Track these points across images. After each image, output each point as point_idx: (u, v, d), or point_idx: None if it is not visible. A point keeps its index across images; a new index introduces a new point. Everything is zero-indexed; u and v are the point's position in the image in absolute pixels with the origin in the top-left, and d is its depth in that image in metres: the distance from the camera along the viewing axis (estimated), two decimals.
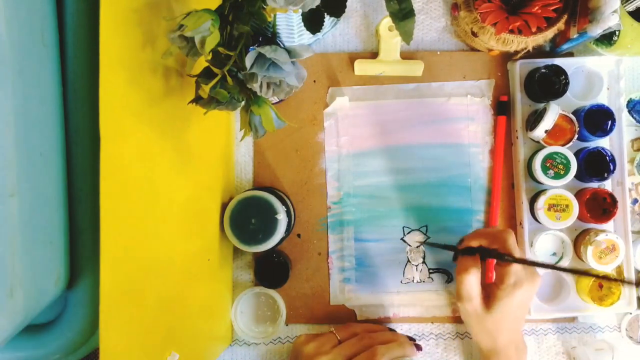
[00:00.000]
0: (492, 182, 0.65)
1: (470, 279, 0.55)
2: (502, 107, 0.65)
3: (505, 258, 0.53)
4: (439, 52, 0.66)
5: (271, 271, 0.63)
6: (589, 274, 0.53)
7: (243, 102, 0.44)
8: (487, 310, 0.55)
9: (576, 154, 0.61)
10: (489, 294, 0.56)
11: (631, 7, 0.56)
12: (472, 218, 0.65)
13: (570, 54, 0.65)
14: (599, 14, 0.53)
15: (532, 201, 0.63)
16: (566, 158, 0.61)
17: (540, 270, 0.63)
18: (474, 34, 0.61)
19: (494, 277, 0.56)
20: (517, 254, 0.54)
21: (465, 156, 0.66)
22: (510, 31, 0.57)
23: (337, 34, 0.67)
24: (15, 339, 0.45)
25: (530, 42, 0.58)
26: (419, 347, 0.61)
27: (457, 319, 0.65)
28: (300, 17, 0.50)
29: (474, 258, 0.56)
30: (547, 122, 0.59)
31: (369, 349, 0.56)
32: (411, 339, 0.62)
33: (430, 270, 0.65)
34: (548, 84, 0.63)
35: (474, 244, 0.57)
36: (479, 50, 0.66)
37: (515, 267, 0.53)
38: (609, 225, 0.63)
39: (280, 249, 0.65)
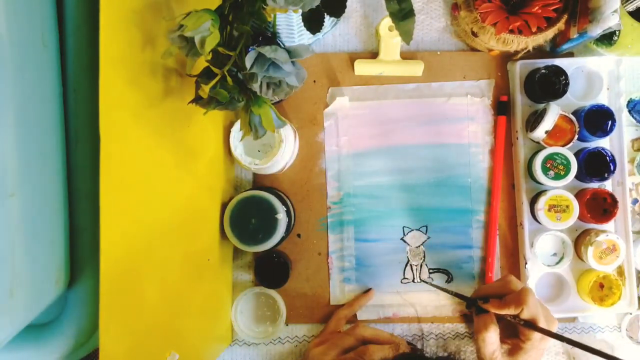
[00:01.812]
0: (492, 182, 0.65)
1: (491, 337, 0.54)
2: (502, 107, 0.65)
3: (528, 326, 0.53)
4: (439, 52, 0.66)
5: (271, 271, 0.63)
6: (604, 355, 0.51)
7: (243, 102, 0.44)
8: None
9: (576, 155, 0.61)
10: (514, 346, 0.56)
11: (631, 7, 0.56)
12: (472, 218, 0.65)
13: (570, 54, 0.65)
14: (599, 14, 0.53)
15: (533, 202, 0.63)
16: (566, 158, 0.61)
17: (541, 271, 0.63)
18: (474, 34, 0.61)
19: (520, 333, 0.55)
20: (539, 312, 0.53)
21: (465, 156, 0.66)
22: (510, 31, 0.57)
23: (337, 34, 0.67)
24: (15, 339, 0.45)
25: (530, 42, 0.58)
26: (415, 350, 0.61)
27: (457, 319, 0.65)
28: (300, 17, 0.50)
29: (490, 314, 0.56)
30: (547, 123, 0.59)
31: (361, 347, 0.56)
32: (410, 344, 0.62)
33: (430, 270, 0.65)
34: (548, 84, 0.63)
35: (495, 306, 0.55)
36: (479, 50, 0.66)
37: (540, 318, 0.53)
38: (609, 226, 0.63)
39: (280, 249, 0.65)
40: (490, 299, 0.57)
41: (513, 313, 0.54)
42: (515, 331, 0.56)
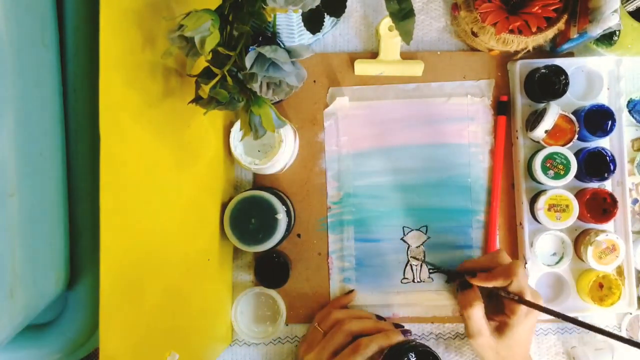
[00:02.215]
0: (492, 182, 0.65)
1: (477, 313, 0.55)
2: (502, 107, 0.65)
3: (514, 299, 0.53)
4: (439, 52, 0.66)
5: (271, 271, 0.63)
6: (602, 331, 0.51)
7: (243, 102, 0.44)
8: (499, 339, 0.55)
9: (576, 154, 0.61)
10: (500, 323, 0.56)
11: (631, 7, 0.56)
12: (472, 218, 0.65)
13: (570, 54, 0.65)
14: (599, 14, 0.53)
15: (532, 201, 0.63)
16: (566, 158, 0.61)
17: (540, 270, 0.63)
18: (474, 34, 0.61)
19: (505, 308, 0.56)
20: (527, 286, 0.54)
21: (465, 156, 0.66)
22: (510, 31, 0.57)
23: (337, 34, 0.67)
24: (15, 339, 0.45)
25: (531, 42, 0.58)
26: (406, 332, 0.60)
27: (457, 319, 0.65)
28: (300, 17, 0.50)
29: (474, 290, 0.56)
30: (547, 122, 0.59)
31: (353, 342, 0.55)
32: (398, 326, 0.61)
33: (430, 270, 0.65)
34: (548, 84, 0.63)
35: (483, 278, 0.56)
36: (479, 50, 0.66)
37: (527, 291, 0.54)
38: (609, 226, 0.63)
39: (280, 249, 0.65)
40: (477, 272, 0.57)
41: (501, 285, 0.55)
42: (501, 308, 0.56)
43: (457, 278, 0.59)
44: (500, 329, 0.56)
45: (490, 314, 0.57)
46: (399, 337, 0.56)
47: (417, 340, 0.57)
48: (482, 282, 0.56)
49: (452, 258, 0.65)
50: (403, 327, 0.61)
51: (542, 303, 0.55)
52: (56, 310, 0.48)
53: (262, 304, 0.65)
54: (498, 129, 0.65)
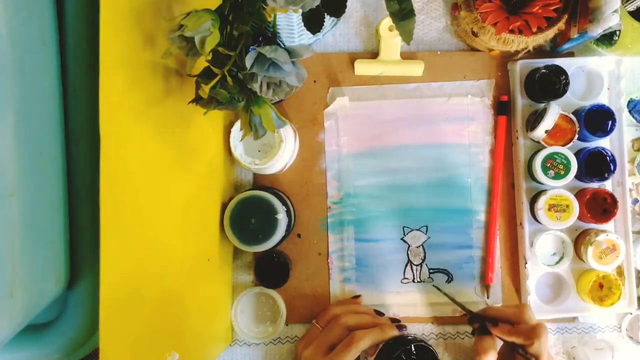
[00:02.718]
0: (492, 182, 0.65)
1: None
2: (502, 107, 0.65)
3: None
4: (439, 52, 0.66)
5: (271, 271, 0.63)
6: None
7: (243, 102, 0.44)
8: None
9: (576, 154, 0.61)
10: None
11: (631, 7, 0.56)
12: (472, 218, 0.65)
13: (570, 54, 0.65)
14: (599, 13, 0.53)
15: (533, 201, 0.63)
16: (566, 158, 0.61)
17: (540, 270, 0.63)
18: (474, 34, 0.61)
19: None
20: (546, 352, 0.53)
21: (465, 156, 0.66)
22: (510, 31, 0.57)
23: (337, 34, 0.67)
24: (15, 339, 0.45)
25: (531, 42, 0.58)
26: (401, 328, 0.59)
27: (457, 319, 0.65)
28: (300, 17, 0.50)
29: (492, 338, 0.56)
30: (548, 122, 0.59)
31: (348, 336, 0.55)
32: (394, 320, 0.61)
33: (430, 270, 0.65)
34: (548, 84, 0.63)
35: (505, 332, 0.55)
36: (479, 50, 0.66)
37: (545, 358, 0.53)
38: (609, 226, 0.63)
39: (280, 249, 0.65)
40: (499, 322, 0.56)
41: (522, 343, 0.54)
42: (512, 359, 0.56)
43: (477, 321, 0.58)
44: None
45: None
46: (393, 332, 0.56)
47: (413, 335, 0.57)
48: (502, 334, 0.55)
49: (452, 258, 0.65)
50: (399, 322, 0.61)
51: None
52: (56, 310, 0.48)
53: (262, 304, 0.65)
54: (498, 129, 0.65)
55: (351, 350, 0.53)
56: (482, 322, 0.58)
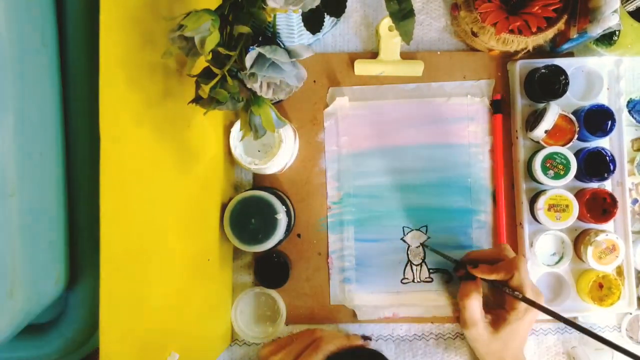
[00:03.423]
0: (495, 182, 0.65)
1: (473, 304, 0.56)
2: (497, 106, 0.65)
3: (515, 295, 0.54)
4: (439, 52, 0.66)
5: (271, 271, 0.63)
6: (598, 337, 0.50)
7: (243, 102, 0.44)
8: (495, 333, 0.56)
9: (576, 154, 0.61)
10: (497, 317, 0.57)
11: (631, 7, 0.56)
12: (472, 218, 0.65)
13: (570, 54, 0.65)
14: (599, 14, 0.53)
15: (532, 201, 0.63)
16: (566, 158, 0.61)
17: (540, 270, 0.63)
18: (474, 34, 0.61)
19: (505, 303, 0.56)
20: (528, 282, 0.54)
21: (465, 156, 0.66)
22: (510, 31, 0.57)
23: (337, 34, 0.67)
24: (15, 339, 0.45)
25: (530, 42, 0.58)
26: (366, 338, 0.62)
27: (457, 319, 0.65)
28: (300, 17, 0.50)
29: (476, 282, 0.57)
30: (547, 122, 0.59)
31: (315, 340, 0.57)
32: (366, 338, 0.63)
33: (430, 270, 0.65)
34: (548, 84, 0.63)
35: (485, 270, 0.56)
36: (479, 50, 0.66)
37: (529, 288, 0.54)
38: (609, 226, 0.63)
39: (280, 249, 0.65)
40: (479, 264, 0.57)
41: (502, 278, 0.55)
42: (502, 303, 0.57)
43: (461, 268, 0.60)
44: (496, 323, 0.56)
45: (490, 307, 0.57)
46: (358, 341, 0.60)
47: (374, 349, 0.60)
48: (483, 273, 0.56)
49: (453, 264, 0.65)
50: (370, 338, 0.64)
51: (543, 302, 0.55)
52: (56, 310, 0.48)
53: (262, 303, 0.65)
54: (495, 128, 0.65)
55: (318, 353, 0.55)
56: (465, 268, 0.59)
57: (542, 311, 0.52)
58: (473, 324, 0.56)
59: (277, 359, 0.58)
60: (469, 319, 0.56)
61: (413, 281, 0.65)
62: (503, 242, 0.64)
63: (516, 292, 0.54)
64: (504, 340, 0.56)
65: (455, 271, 0.63)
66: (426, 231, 0.65)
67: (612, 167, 0.61)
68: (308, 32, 0.49)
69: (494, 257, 0.58)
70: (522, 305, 0.54)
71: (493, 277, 0.56)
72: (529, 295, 0.54)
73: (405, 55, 0.65)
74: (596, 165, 0.61)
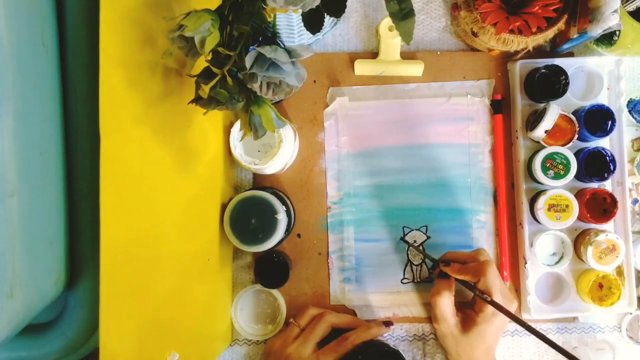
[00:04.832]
0: (496, 182, 0.65)
1: (444, 302, 0.57)
2: (497, 106, 0.65)
3: (482, 297, 0.55)
4: (439, 52, 0.66)
5: (271, 271, 0.63)
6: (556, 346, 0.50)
7: (243, 102, 0.44)
8: (463, 333, 0.57)
9: (576, 154, 0.61)
10: (467, 317, 0.58)
11: (631, 7, 0.56)
12: (472, 218, 0.65)
13: (570, 54, 0.65)
14: (599, 14, 0.53)
15: (532, 201, 0.63)
16: (566, 158, 0.61)
17: (540, 270, 0.63)
18: (474, 34, 0.61)
19: (475, 305, 0.58)
20: (496, 286, 0.55)
21: (465, 156, 0.66)
22: (510, 31, 0.57)
23: (337, 34, 0.67)
24: (15, 339, 0.45)
25: (531, 42, 0.58)
26: (388, 324, 0.62)
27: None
28: (300, 17, 0.50)
29: (449, 280, 0.59)
30: (547, 122, 0.59)
31: (339, 337, 0.59)
32: (388, 324, 0.63)
33: (430, 270, 0.65)
34: (548, 84, 0.63)
35: (455, 270, 0.58)
36: (479, 50, 0.66)
37: (497, 293, 0.55)
38: (609, 226, 0.63)
39: (280, 249, 0.65)
40: (451, 262, 0.59)
41: (470, 280, 0.57)
42: (473, 304, 0.58)
43: (438, 267, 0.61)
44: (465, 323, 0.58)
45: (463, 307, 0.59)
46: (378, 329, 0.60)
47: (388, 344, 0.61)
48: (453, 272, 0.58)
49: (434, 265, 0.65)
50: (392, 323, 0.64)
51: (515, 307, 0.57)
52: (56, 310, 0.48)
53: (262, 301, 0.65)
54: (495, 128, 0.65)
55: (342, 351, 0.57)
56: (437, 264, 0.60)
57: (506, 315, 0.53)
58: (443, 320, 0.57)
59: (293, 348, 0.59)
60: (439, 315, 0.58)
61: (413, 281, 0.65)
62: (505, 245, 0.64)
63: (485, 295, 0.55)
64: (471, 341, 0.57)
65: (432, 270, 0.64)
66: (426, 231, 0.65)
67: (612, 167, 0.61)
68: (308, 32, 0.49)
69: (468, 259, 0.59)
70: (490, 309, 0.55)
71: (461, 277, 0.57)
72: (497, 299, 0.54)
73: (405, 55, 0.65)
74: (596, 165, 0.61)
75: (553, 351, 0.64)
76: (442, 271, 0.59)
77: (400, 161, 0.66)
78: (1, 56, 0.36)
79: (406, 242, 0.65)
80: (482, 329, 0.56)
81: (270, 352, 0.61)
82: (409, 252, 0.65)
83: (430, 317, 0.65)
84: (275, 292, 0.64)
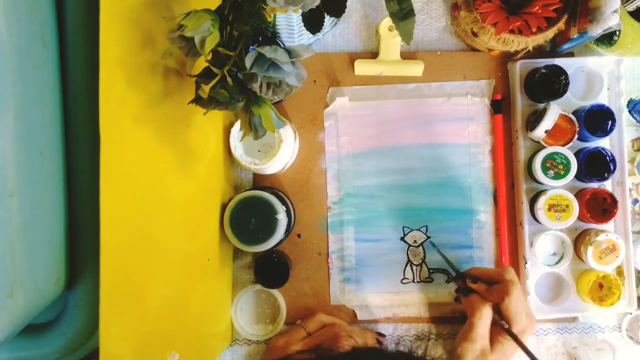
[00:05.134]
0: (496, 182, 0.65)
1: (485, 324, 0.55)
2: (497, 106, 0.65)
3: (500, 324, 0.54)
4: (439, 52, 0.66)
5: (271, 271, 0.63)
6: None
7: (243, 102, 0.44)
8: (489, 352, 0.55)
9: (576, 154, 0.61)
10: (491, 335, 0.56)
11: (631, 7, 0.56)
12: (472, 218, 0.65)
13: (570, 54, 0.65)
14: (599, 14, 0.53)
15: (532, 201, 0.63)
16: (566, 158, 0.61)
17: (540, 270, 0.63)
18: (474, 34, 0.61)
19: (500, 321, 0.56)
20: (519, 309, 0.54)
21: (465, 156, 0.66)
22: (510, 31, 0.57)
23: (337, 34, 0.67)
24: (15, 339, 0.45)
25: (531, 42, 0.58)
26: (380, 337, 0.63)
27: (456, 319, 0.65)
28: (300, 17, 0.50)
29: (484, 301, 0.56)
30: (547, 122, 0.59)
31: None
32: (380, 334, 0.64)
33: (430, 270, 0.65)
34: (548, 84, 0.63)
35: (482, 289, 0.57)
36: (479, 50, 0.66)
37: (521, 316, 0.54)
38: (609, 226, 0.63)
39: (280, 249, 0.65)
40: (479, 281, 0.58)
41: (493, 301, 0.55)
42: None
43: (460, 279, 0.59)
44: (491, 342, 0.56)
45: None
46: (372, 338, 0.61)
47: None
48: (479, 291, 0.57)
49: (452, 258, 0.65)
50: (384, 336, 0.64)
51: (533, 328, 0.56)
52: (56, 310, 0.48)
53: (262, 301, 0.65)
54: (495, 128, 0.65)
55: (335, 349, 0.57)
56: (464, 279, 0.59)
57: (519, 346, 0.53)
58: (482, 339, 0.55)
59: (283, 340, 0.60)
60: (475, 336, 0.55)
61: (413, 281, 0.65)
62: (505, 245, 0.64)
63: (502, 322, 0.54)
64: (496, 357, 0.56)
65: (454, 279, 0.62)
66: (426, 231, 0.65)
67: (612, 167, 0.61)
68: (308, 32, 0.49)
69: (495, 277, 0.57)
70: (515, 328, 0.54)
71: (487, 298, 0.56)
72: (520, 321, 0.54)
73: (405, 55, 0.65)
74: (596, 165, 0.61)
75: (553, 351, 0.65)
76: (465, 287, 0.58)
77: (400, 161, 0.66)
78: (1, 56, 0.36)
79: (433, 245, 0.64)
80: (507, 346, 0.55)
81: (273, 347, 0.61)
82: (409, 252, 0.65)
83: (432, 318, 0.65)
84: (276, 292, 0.64)
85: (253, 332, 0.64)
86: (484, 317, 0.55)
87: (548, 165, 0.61)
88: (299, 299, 0.65)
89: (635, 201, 0.65)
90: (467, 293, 0.58)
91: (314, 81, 0.66)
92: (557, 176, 0.61)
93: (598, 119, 0.61)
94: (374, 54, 0.66)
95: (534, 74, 0.62)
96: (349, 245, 0.65)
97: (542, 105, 0.62)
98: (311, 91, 0.66)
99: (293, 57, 0.40)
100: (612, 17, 0.52)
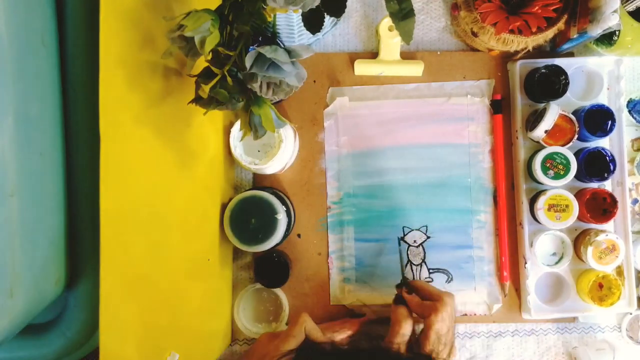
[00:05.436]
0: (497, 181, 0.65)
1: (404, 334, 0.54)
2: (497, 106, 0.65)
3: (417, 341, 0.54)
4: (439, 52, 0.66)
5: (271, 271, 0.63)
6: None
7: (243, 102, 0.44)
8: None
9: (576, 154, 0.61)
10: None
11: (631, 7, 0.56)
12: (472, 218, 0.65)
13: (570, 54, 0.65)
14: (599, 14, 0.53)
15: (532, 201, 0.63)
16: (566, 158, 0.61)
17: (540, 270, 0.63)
18: (474, 34, 0.61)
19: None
20: (438, 330, 0.53)
21: (465, 156, 0.66)
22: (510, 31, 0.57)
23: (337, 34, 0.67)
24: (15, 339, 0.45)
25: (530, 42, 0.58)
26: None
27: (456, 319, 0.65)
28: (300, 17, 0.50)
29: (408, 311, 0.56)
30: (547, 122, 0.59)
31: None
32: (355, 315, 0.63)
33: (430, 270, 0.65)
34: (548, 84, 0.63)
35: (413, 302, 0.56)
36: (479, 50, 0.66)
37: (438, 336, 0.53)
38: (609, 226, 0.63)
39: (280, 249, 0.65)
40: (414, 293, 0.57)
41: (419, 315, 0.55)
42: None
43: (403, 287, 0.59)
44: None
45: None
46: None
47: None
48: (410, 305, 0.56)
49: (452, 258, 0.65)
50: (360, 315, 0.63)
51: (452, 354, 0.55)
52: (56, 310, 0.48)
53: (264, 300, 0.65)
54: (495, 128, 0.65)
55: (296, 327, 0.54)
56: (402, 287, 0.58)
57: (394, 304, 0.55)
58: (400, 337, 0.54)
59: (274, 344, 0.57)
60: (400, 341, 0.54)
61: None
62: (505, 245, 0.64)
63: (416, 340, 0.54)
64: None
65: (398, 286, 0.60)
66: (426, 231, 0.65)
67: (612, 167, 0.61)
68: (308, 32, 0.49)
69: (433, 296, 0.56)
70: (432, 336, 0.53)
71: (415, 310, 0.55)
72: (435, 342, 0.53)
73: (405, 55, 0.65)
74: (596, 165, 0.61)
75: (553, 351, 0.65)
76: (400, 297, 0.58)
77: (400, 161, 0.66)
78: (1, 56, 0.36)
79: (399, 245, 0.64)
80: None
81: (257, 344, 0.58)
82: (409, 252, 0.65)
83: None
84: (278, 290, 0.64)
85: (257, 332, 0.64)
86: (403, 329, 0.54)
87: (548, 165, 0.61)
88: (299, 299, 0.65)
89: (635, 201, 0.65)
90: (398, 302, 0.57)
91: (314, 81, 0.66)
92: (557, 176, 0.61)
93: (598, 119, 0.61)
94: (374, 54, 0.66)
95: (534, 74, 0.62)
96: (349, 245, 0.65)
97: (542, 105, 0.62)
98: (311, 91, 0.66)
99: (293, 57, 0.40)
100: (612, 17, 0.52)
